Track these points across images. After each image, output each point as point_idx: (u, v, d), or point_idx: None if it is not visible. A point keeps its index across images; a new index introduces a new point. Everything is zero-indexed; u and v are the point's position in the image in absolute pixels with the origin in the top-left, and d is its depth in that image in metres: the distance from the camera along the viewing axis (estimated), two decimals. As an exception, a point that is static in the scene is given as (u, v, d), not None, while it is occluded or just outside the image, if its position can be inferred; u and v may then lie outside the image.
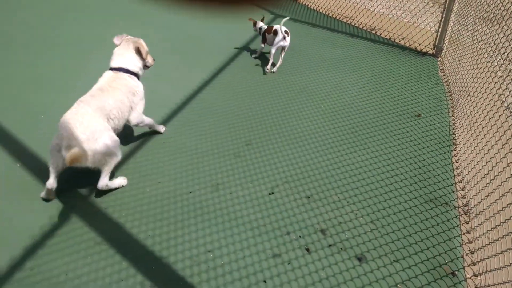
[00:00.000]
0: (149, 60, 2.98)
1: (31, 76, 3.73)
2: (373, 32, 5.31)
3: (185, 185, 2.61)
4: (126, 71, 2.78)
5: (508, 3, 3.36)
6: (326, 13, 5.95)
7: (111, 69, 2.78)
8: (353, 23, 5.58)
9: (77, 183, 2.57)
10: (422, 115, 3.49)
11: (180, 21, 5.21)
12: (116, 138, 2.51)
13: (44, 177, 2.41)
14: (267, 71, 4.09)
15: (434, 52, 4.67)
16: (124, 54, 2.83)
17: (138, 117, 2.83)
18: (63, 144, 2.28)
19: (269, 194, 2.56)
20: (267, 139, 3.10)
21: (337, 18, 5.78)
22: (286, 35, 3.96)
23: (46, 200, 2.44)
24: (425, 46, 4.79)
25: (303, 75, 4.07)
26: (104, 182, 2.46)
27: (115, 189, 2.55)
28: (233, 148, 2.98)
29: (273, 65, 4.12)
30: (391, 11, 6.08)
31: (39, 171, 2.59)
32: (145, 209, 2.41)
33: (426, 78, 4.13)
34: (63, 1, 5.58)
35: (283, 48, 4.04)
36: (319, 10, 6.06)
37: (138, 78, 2.87)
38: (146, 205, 2.44)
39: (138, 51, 2.87)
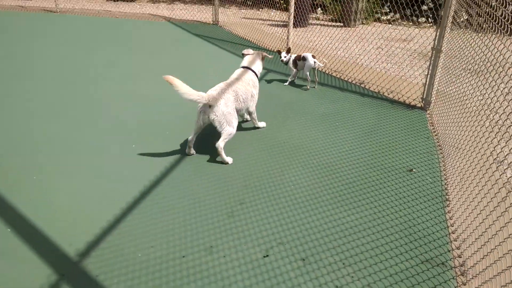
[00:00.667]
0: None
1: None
2: (362, 85, 5.45)
3: (178, 248, 2.56)
4: (252, 70, 4.00)
5: (491, 55, 3.47)
6: (316, 67, 6.11)
7: (242, 67, 4.03)
8: (342, 77, 5.74)
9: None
10: (414, 170, 3.52)
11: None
12: (236, 117, 3.61)
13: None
14: (308, 89, 5.28)
15: (422, 106, 4.78)
16: (252, 59, 4.11)
17: (253, 106, 3.99)
18: (206, 107, 3.43)
19: (264, 257, 2.52)
20: (261, 197, 3.09)
21: (328, 72, 5.95)
22: (314, 59, 5.10)
23: (187, 155, 3.64)
24: (414, 100, 4.90)
25: (295, 131, 4.13)
26: (220, 144, 3.47)
27: (221, 162, 3.53)
28: (227, 207, 2.96)
29: (313, 82, 5.35)
30: (380, 64, 6.28)
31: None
32: (137, 276, 2.35)
33: (416, 132, 4.20)
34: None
35: (313, 68, 5.18)
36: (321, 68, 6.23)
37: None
38: (138, 271, 2.38)
39: (263, 58, 4.21)
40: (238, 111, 3.69)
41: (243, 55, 4.23)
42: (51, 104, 4.68)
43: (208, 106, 3.44)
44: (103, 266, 2.41)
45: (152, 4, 11.79)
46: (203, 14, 10.30)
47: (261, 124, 4.18)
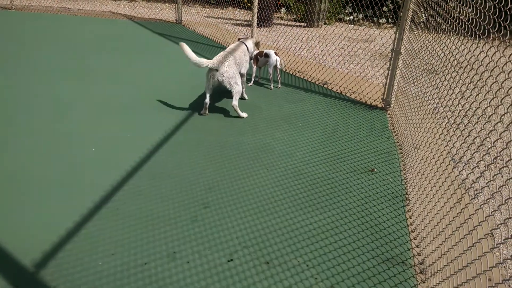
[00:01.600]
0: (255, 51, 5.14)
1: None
2: (326, 86, 5.52)
3: (139, 255, 2.51)
4: (245, 44, 4.78)
5: (449, 53, 3.58)
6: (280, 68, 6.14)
7: (238, 39, 4.93)
8: (306, 78, 5.79)
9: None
10: (375, 170, 3.59)
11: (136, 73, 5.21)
12: (239, 75, 4.47)
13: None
14: (271, 89, 5.31)
15: (383, 106, 4.89)
16: (246, 38, 4.92)
17: (244, 70, 4.74)
18: (214, 70, 4.21)
19: (228, 261, 2.50)
20: (225, 200, 3.07)
21: (291, 72, 5.99)
22: (277, 56, 5.18)
23: (202, 115, 4.41)
24: (375, 100, 5.01)
25: (259, 134, 4.13)
26: (234, 102, 4.33)
27: (238, 116, 4.40)
28: (190, 212, 2.93)
29: (276, 82, 5.41)
30: (342, 65, 6.38)
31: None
32: (97, 286, 2.28)
33: (377, 132, 4.29)
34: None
35: (275, 67, 5.22)
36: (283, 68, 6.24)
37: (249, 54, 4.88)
38: (98, 281, 2.31)
39: (257, 43, 5.06)
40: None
41: (239, 39, 5.00)
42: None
43: (216, 70, 4.21)
44: (61, 277, 2.32)
45: (113, 2, 11.50)
46: (166, 12, 10.15)
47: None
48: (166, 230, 2.74)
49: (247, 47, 4.83)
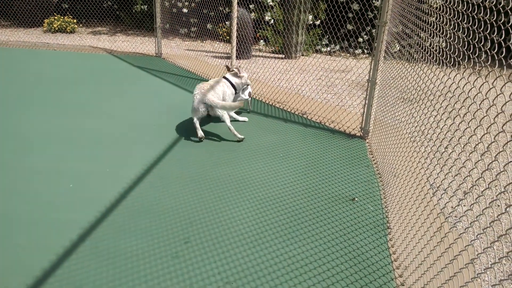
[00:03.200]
0: (244, 79, 5.24)
1: None
2: (305, 116, 5.59)
3: (118, 295, 2.43)
4: (227, 79, 5.08)
5: (423, 84, 3.69)
6: (260, 99, 6.22)
7: (224, 77, 5.12)
8: (285, 108, 5.86)
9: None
10: (356, 199, 3.61)
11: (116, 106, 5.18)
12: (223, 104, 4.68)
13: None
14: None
15: (361, 135, 4.97)
16: (228, 74, 5.16)
17: (228, 99, 5.00)
18: (201, 103, 4.58)
19: (210, 298, 2.45)
20: (207, 234, 3.03)
21: (271, 103, 6.06)
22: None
23: (198, 138, 4.62)
24: (353, 129, 5.09)
25: (239, 164, 4.13)
26: (228, 124, 4.62)
27: (234, 135, 4.61)
28: (171, 247, 2.87)
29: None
30: (320, 95, 6.50)
31: None
32: (73, 329, 2.19)
33: (356, 161, 4.34)
34: None
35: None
36: (252, 96, 6.32)
37: (234, 87, 5.11)
38: (75, 324, 2.22)
39: (235, 74, 5.17)
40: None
41: (227, 68, 5.34)
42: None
43: (202, 103, 4.57)
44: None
45: (92, 36, 11.55)
46: (145, 46, 10.23)
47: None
48: (146, 267, 2.67)
49: (228, 80, 5.06)
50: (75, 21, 12.00)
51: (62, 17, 11.88)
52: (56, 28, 11.68)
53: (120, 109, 5.58)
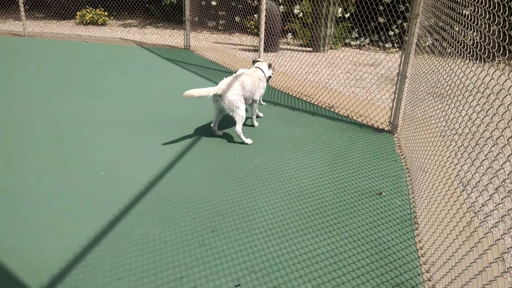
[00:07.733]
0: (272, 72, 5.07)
1: None
2: (332, 109, 5.55)
3: (146, 280, 2.49)
4: (261, 69, 4.84)
5: (455, 77, 3.60)
6: (287, 92, 6.20)
7: (255, 66, 4.90)
8: (312, 101, 5.83)
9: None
10: (383, 193, 3.57)
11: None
12: (243, 102, 4.42)
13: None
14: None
15: (390, 129, 4.90)
16: (263, 63, 4.96)
17: (257, 96, 4.72)
18: (218, 96, 4.27)
19: (235, 286, 2.48)
20: (232, 224, 3.06)
21: (298, 96, 6.03)
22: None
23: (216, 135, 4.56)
24: (382, 123, 5.02)
25: (266, 156, 4.14)
26: (237, 128, 4.34)
27: (242, 143, 4.40)
28: (198, 236, 2.92)
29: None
30: (348, 89, 6.43)
31: None
32: (103, 311, 2.27)
33: (384, 155, 4.28)
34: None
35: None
36: (279, 88, 6.32)
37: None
38: (105, 306, 2.30)
39: (269, 66, 5.02)
40: (245, 99, 4.50)
41: (254, 63, 5.07)
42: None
43: (219, 96, 4.26)
44: (67, 302, 2.32)
45: (123, 28, 11.76)
46: (174, 38, 10.34)
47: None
48: (173, 254, 2.73)
49: (263, 72, 4.86)
50: (106, 13, 12.24)
51: (94, 10, 12.13)
52: (88, 21, 11.95)
53: (149, 99, 5.68)
